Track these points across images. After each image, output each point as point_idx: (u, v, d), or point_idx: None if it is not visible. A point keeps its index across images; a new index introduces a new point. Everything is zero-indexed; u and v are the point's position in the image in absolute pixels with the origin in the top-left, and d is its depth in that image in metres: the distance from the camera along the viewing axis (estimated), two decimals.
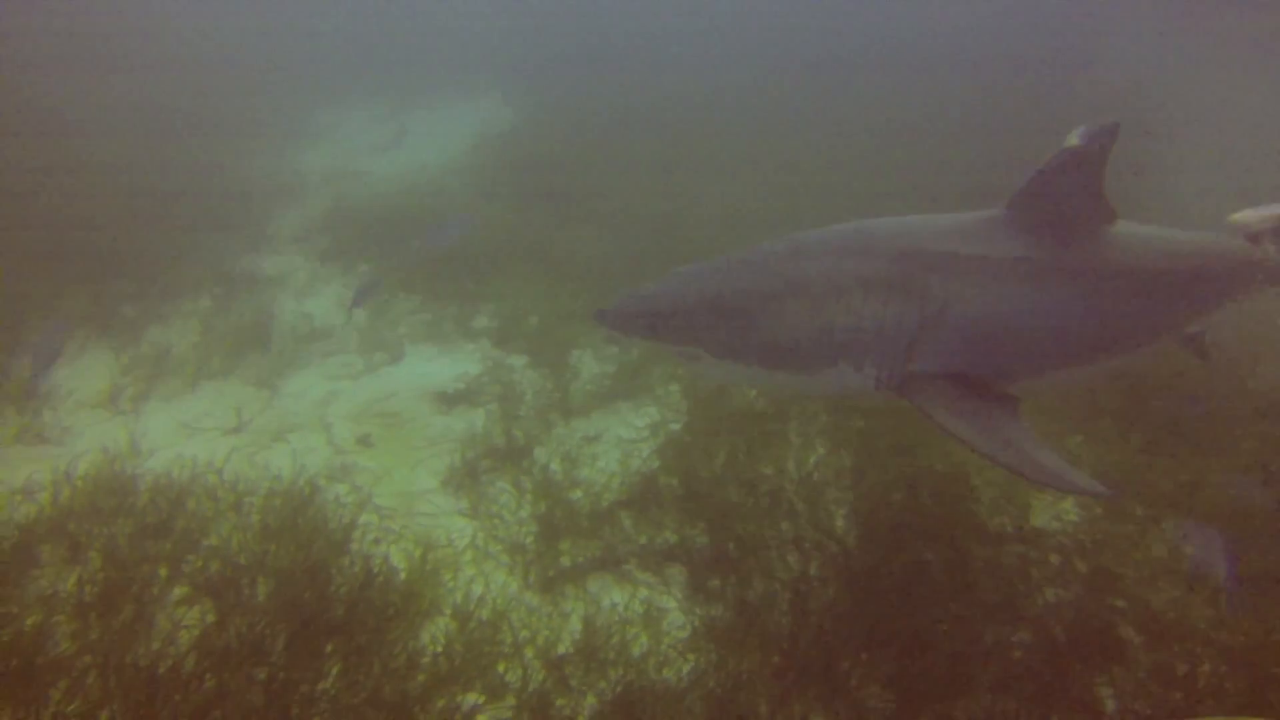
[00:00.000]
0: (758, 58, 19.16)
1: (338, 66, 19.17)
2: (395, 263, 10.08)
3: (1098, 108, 11.73)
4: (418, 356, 8.40)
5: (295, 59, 20.20)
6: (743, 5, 23.74)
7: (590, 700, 4.69)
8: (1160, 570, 5.31)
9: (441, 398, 7.64)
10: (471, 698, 4.68)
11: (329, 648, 4.82)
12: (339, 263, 10.69)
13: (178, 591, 5.31)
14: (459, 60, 20.13)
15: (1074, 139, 4.58)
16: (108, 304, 9.12)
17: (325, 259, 10.82)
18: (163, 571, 5.43)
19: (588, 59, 19.70)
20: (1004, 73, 17.34)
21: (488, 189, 12.58)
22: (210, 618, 5.08)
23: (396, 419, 7.40)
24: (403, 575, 5.45)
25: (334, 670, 4.69)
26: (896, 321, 4.54)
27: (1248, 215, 5.78)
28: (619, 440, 7.02)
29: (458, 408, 7.56)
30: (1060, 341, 4.77)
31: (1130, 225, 5.08)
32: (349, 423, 7.34)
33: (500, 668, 4.84)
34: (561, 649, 5.00)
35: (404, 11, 22.65)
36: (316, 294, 9.89)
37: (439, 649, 4.91)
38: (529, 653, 4.96)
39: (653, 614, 5.25)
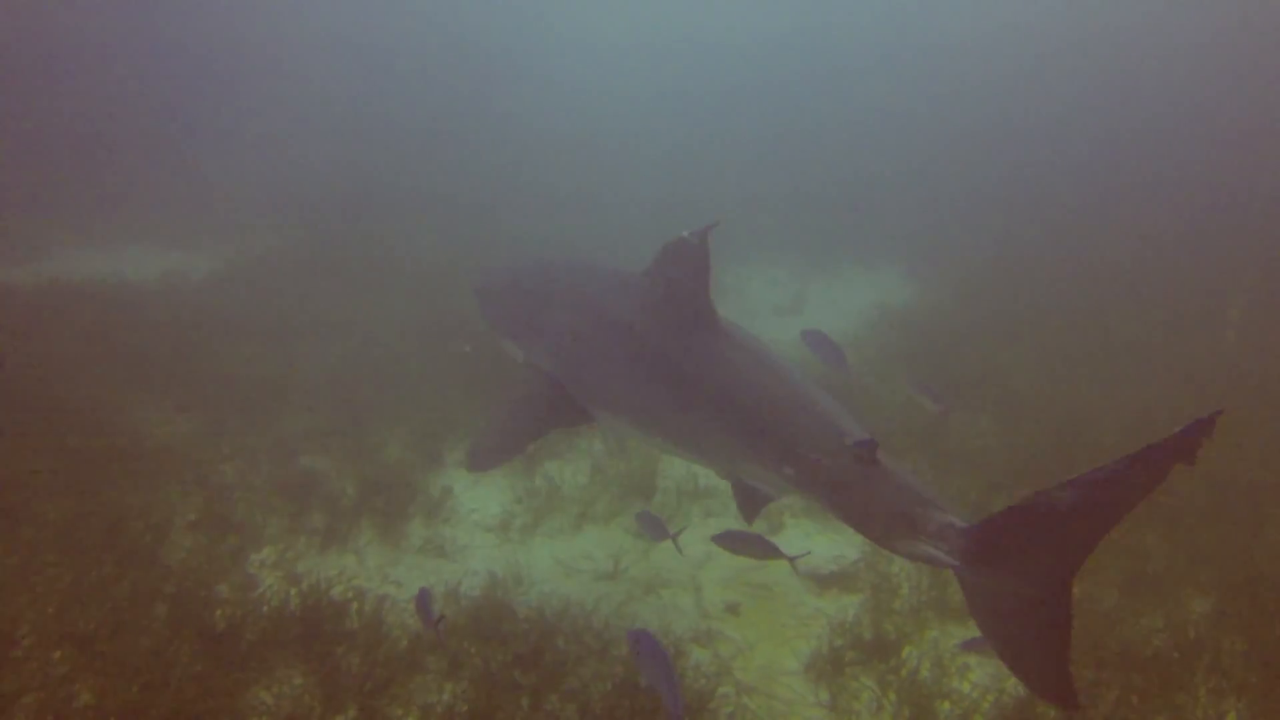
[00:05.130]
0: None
1: (749, 226, 19.82)
2: None
3: None
4: (796, 531, 8.24)
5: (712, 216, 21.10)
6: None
7: None
8: None
9: (815, 577, 7.40)
10: None
11: None
12: None
13: None
14: (863, 229, 20.21)
15: (686, 233, 5.24)
16: None
17: None
18: (525, 702, 5.53)
19: (1003, 236, 18.98)
20: None
21: (879, 364, 12.22)
22: None
23: (767, 592, 7.23)
24: None
25: None
26: (525, 322, 6.33)
27: None
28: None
29: (830, 590, 7.30)
30: (619, 395, 5.53)
31: (733, 333, 5.31)
32: (719, 588, 7.26)
33: None
34: None
35: (812, 181, 23.21)
36: None
37: None
38: None
39: None
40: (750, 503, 4.94)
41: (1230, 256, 16.05)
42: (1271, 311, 13.35)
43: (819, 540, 8.04)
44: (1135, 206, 19.90)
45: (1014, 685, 5.96)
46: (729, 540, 6.23)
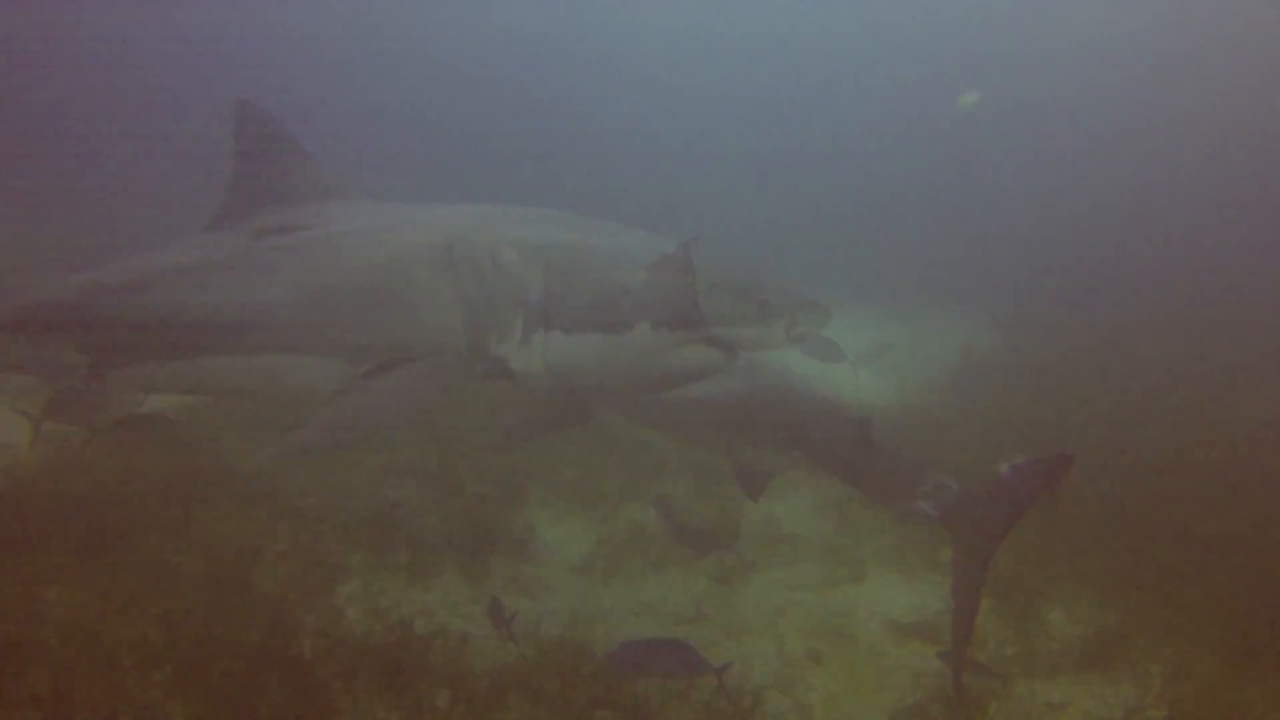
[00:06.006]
0: None
1: (830, 273, 19.72)
2: None
3: None
4: (879, 580, 8.14)
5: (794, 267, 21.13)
6: None
7: None
8: None
9: (897, 628, 7.29)
10: None
11: None
12: None
13: None
14: (946, 275, 19.94)
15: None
16: (593, 478, 9.82)
17: None
18: None
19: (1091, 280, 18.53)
20: None
21: (966, 412, 12.04)
22: None
23: (850, 641, 7.16)
24: None
25: None
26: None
27: None
28: (1085, 715, 6.26)
29: (911, 641, 7.18)
30: (637, 404, 6.34)
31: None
32: (801, 635, 7.20)
33: None
34: None
35: (889, 227, 23.06)
36: (786, 499, 9.95)
37: None
38: None
39: None
40: (754, 483, 6.02)
41: None
42: None
43: (901, 591, 7.94)
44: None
45: None
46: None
